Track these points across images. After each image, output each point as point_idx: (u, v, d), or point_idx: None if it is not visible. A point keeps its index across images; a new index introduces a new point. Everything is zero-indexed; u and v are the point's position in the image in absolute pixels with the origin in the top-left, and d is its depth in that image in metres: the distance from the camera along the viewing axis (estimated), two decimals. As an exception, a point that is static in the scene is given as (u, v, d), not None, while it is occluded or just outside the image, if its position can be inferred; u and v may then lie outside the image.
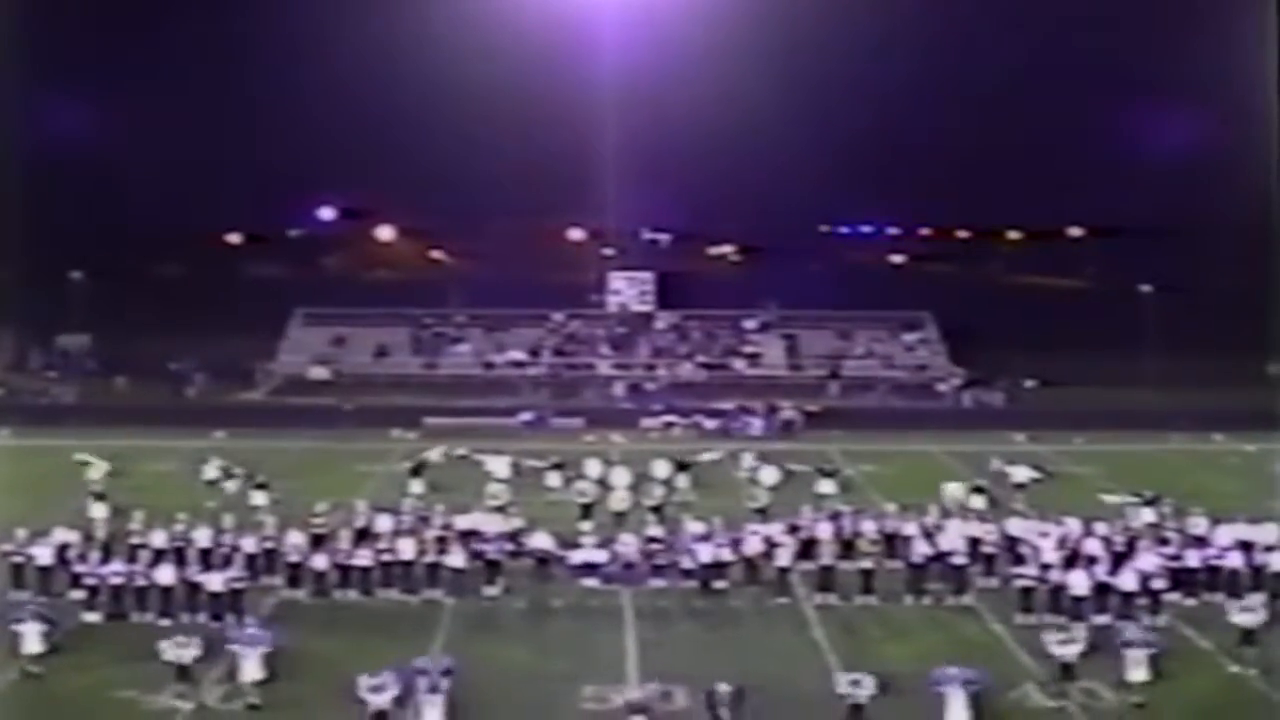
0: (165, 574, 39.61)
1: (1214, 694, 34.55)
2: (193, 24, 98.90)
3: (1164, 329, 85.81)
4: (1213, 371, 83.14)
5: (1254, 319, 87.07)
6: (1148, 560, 40.86)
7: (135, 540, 42.40)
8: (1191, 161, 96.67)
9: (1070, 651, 33.78)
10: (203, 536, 42.45)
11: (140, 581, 39.56)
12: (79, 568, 40.76)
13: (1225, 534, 43.75)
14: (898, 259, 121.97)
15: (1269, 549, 42.57)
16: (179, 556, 41.28)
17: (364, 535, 43.44)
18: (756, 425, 74.07)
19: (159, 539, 42.28)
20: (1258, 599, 37.71)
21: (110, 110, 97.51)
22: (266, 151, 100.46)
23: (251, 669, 33.04)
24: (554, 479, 54.68)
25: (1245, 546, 42.75)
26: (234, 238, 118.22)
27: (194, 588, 39.52)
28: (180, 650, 33.40)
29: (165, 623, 38.08)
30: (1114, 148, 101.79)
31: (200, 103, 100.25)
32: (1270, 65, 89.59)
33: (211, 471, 54.59)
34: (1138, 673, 33.28)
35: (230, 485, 53.32)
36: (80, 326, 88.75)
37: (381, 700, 30.52)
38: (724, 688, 30.67)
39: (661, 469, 55.09)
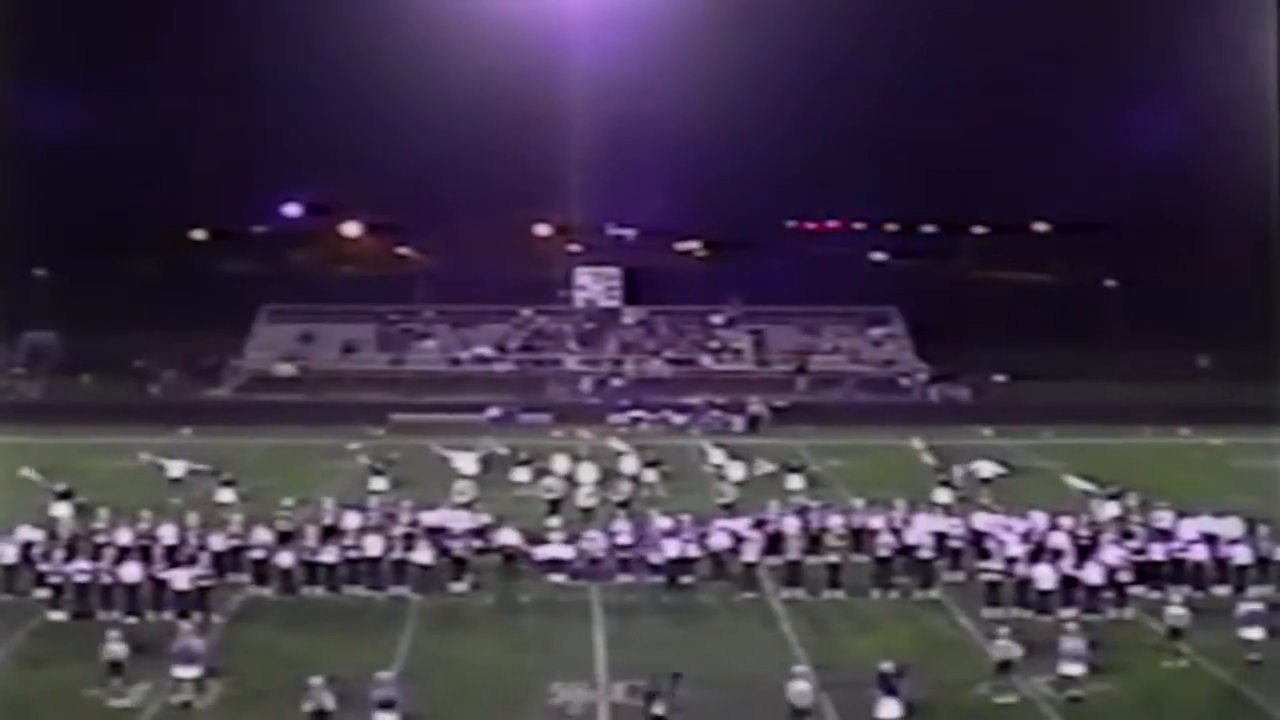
0: (131, 572, 39.46)
1: (1158, 686, 34.80)
2: (159, 20, 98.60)
3: (1129, 323, 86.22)
4: (1172, 365, 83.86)
5: (1205, 313, 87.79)
6: (1113, 554, 41.04)
7: (100, 538, 42.17)
8: (1158, 158, 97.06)
9: (1010, 650, 33.76)
10: (168, 534, 42.33)
11: (105, 580, 39.43)
12: (43, 566, 40.60)
13: (1190, 528, 44.00)
14: (864, 254, 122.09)
15: (1233, 542, 42.83)
16: (144, 554, 41.12)
17: (331, 532, 43.35)
18: (737, 422, 74.11)
19: (124, 537, 42.13)
20: (1179, 597, 37.82)
21: (76, 106, 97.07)
22: (233, 147, 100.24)
23: (188, 667, 32.89)
24: (522, 474, 54.63)
25: (1210, 540, 42.98)
26: (200, 234, 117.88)
27: (160, 585, 39.38)
28: (114, 646, 33.20)
29: (131, 621, 37.93)
30: (1080, 144, 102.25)
31: (166, 99, 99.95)
32: (1234, 65, 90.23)
33: (177, 469, 54.44)
34: (1074, 667, 33.44)
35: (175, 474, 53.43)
36: (46, 323, 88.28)
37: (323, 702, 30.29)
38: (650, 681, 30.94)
39: (629, 464, 55.16)
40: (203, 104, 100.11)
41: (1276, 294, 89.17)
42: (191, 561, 40.62)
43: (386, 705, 30.10)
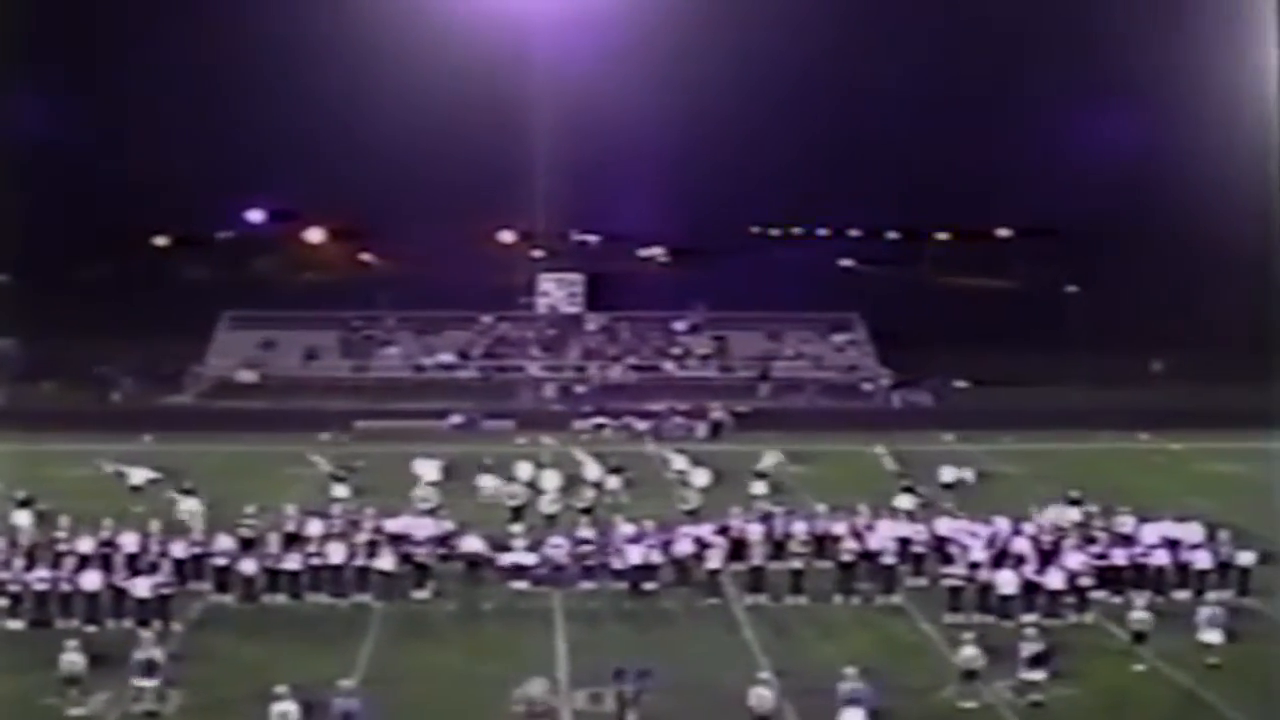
0: (91, 580, 39.24)
1: (1119, 690, 34.94)
2: (121, 27, 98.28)
3: (1090, 328, 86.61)
4: (1129, 370, 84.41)
5: (1161, 317, 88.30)
6: (1075, 559, 41.20)
7: (61, 546, 41.90)
8: (1119, 164, 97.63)
9: (975, 660, 33.82)
10: (130, 542, 42.10)
11: (65, 588, 39.22)
12: (2, 574, 40.28)
13: (1151, 532, 44.21)
14: (827, 260, 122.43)
15: (1193, 547, 43.05)
16: (105, 562, 40.91)
17: (293, 539, 43.21)
18: (700, 428, 74.13)
19: (85, 545, 41.87)
20: (1141, 601, 37.98)
21: (39, 112, 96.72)
22: (195, 153, 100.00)
23: (149, 676, 32.70)
24: (485, 481, 54.51)
25: (1171, 544, 43.18)
26: (162, 240, 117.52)
27: (120, 593, 39.18)
28: (72, 655, 33.00)
29: (91, 629, 37.74)
30: (1042, 150, 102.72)
31: (128, 104, 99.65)
32: (1194, 72, 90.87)
33: (138, 476, 54.22)
34: (1034, 672, 33.56)
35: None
36: (6, 330, 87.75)
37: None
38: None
39: (592, 470, 55.11)
40: (166, 109, 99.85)
41: (1229, 297, 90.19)
42: (153, 569, 40.41)
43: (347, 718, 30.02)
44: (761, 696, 30.94)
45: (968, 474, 56.16)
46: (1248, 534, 45.36)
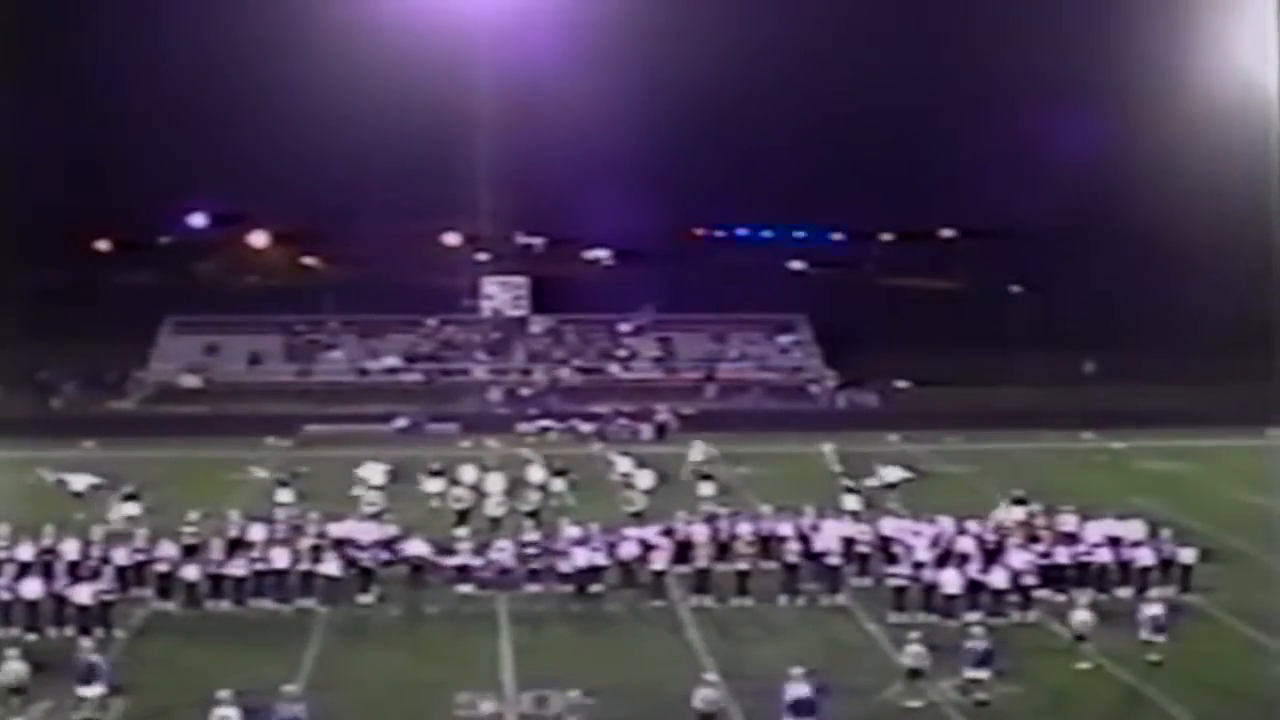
0: (31, 588, 38.91)
1: (1063, 687, 35.12)
2: (60, 26, 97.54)
3: (1033, 328, 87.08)
4: (1068, 370, 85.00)
5: (1114, 318, 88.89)
6: (1019, 558, 41.39)
7: (0, 554, 41.48)
8: (1063, 165, 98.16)
9: (921, 659, 33.93)
10: (71, 549, 41.75)
11: (5, 596, 38.87)
12: (-59, 583, 39.96)
13: (1094, 531, 44.46)
14: (772, 262, 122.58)
15: (1136, 545, 43.30)
16: (46, 570, 40.56)
17: (237, 545, 42.97)
18: (645, 430, 74.07)
19: (25, 552, 41.49)
20: (1085, 600, 38.22)
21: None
22: (136, 157, 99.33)
23: (91, 684, 32.47)
24: (431, 484, 54.35)
25: (1114, 542, 43.43)
26: (104, 244, 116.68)
27: (61, 601, 38.86)
28: (13, 665, 32.69)
29: (32, 637, 37.43)
30: (985, 151, 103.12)
31: (68, 107, 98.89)
32: (1141, 72, 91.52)
33: (79, 483, 53.83)
34: (979, 671, 33.70)
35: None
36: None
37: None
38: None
39: (536, 473, 54.99)
40: (107, 113, 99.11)
41: (1173, 298, 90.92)
42: (94, 576, 40.10)
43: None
44: (707, 697, 30.94)
45: (895, 474, 56.03)
46: (1189, 531, 45.71)
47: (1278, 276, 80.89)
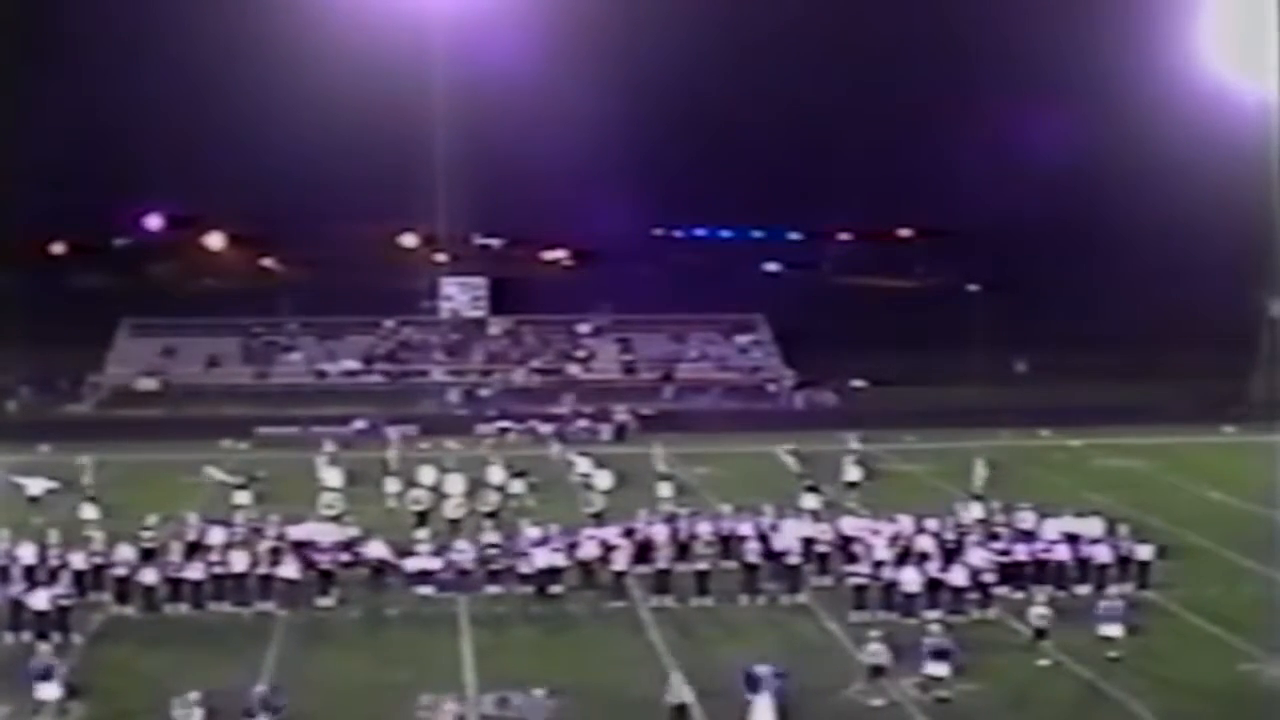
0: (-12, 593, 38.71)
1: (1022, 684, 35.31)
2: (14, 24, 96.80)
3: (991, 327, 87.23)
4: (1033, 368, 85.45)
5: (1071, 316, 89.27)
6: (978, 555, 41.55)
7: (-44, 559, 41.29)
8: (1021, 164, 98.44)
9: (881, 655, 34.04)
10: (27, 553, 41.44)
11: (-39, 601, 38.67)
12: (-103, 588, 39.67)
13: (1052, 528, 44.66)
14: (730, 262, 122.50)
15: (1094, 542, 43.50)
16: (2, 574, 40.31)
17: (195, 548, 42.76)
18: (604, 431, 74.09)
19: (-19, 557, 41.27)
20: (1043, 597, 38.42)
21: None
22: (91, 158, 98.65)
23: (48, 689, 32.30)
24: (390, 486, 54.23)
25: (1072, 540, 43.61)
26: (58, 247, 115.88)
27: (18, 606, 38.60)
28: None
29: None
30: (943, 150, 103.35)
31: (20, 106, 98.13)
32: (1100, 72, 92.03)
33: (37, 487, 53.53)
34: (939, 668, 33.83)
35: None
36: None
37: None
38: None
39: (496, 475, 54.89)
40: (60, 115, 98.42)
41: (1130, 296, 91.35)
42: (51, 580, 39.86)
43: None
44: (679, 687, 31.09)
45: (856, 472, 56.31)
46: (1146, 528, 45.99)
47: (1237, 276, 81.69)
